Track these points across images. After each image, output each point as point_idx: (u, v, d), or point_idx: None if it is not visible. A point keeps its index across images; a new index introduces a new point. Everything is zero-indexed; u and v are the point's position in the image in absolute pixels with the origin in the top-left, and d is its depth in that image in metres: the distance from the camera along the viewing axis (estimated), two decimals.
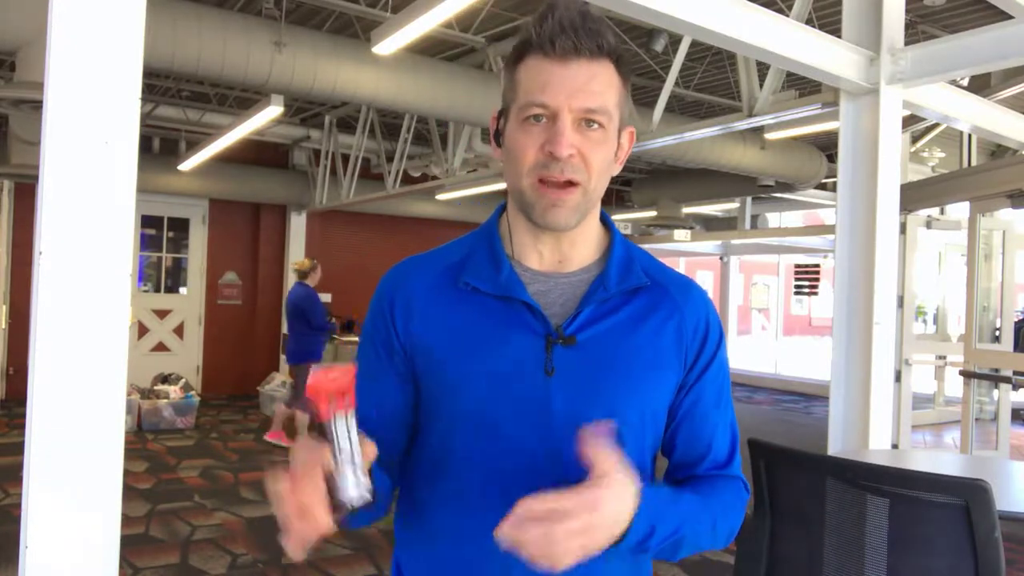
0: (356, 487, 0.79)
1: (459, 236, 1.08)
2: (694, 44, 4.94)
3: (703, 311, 1.03)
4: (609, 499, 0.80)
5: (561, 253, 1.01)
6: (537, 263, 1.01)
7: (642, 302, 1.00)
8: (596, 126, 0.93)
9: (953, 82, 4.10)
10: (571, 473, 0.86)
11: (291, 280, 9.72)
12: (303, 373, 6.34)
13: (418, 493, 1.01)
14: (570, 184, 0.93)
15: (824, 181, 8.62)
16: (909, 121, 5.49)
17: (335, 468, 0.78)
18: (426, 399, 1.00)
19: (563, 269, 1.01)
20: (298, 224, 9.81)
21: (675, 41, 5.43)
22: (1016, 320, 7.43)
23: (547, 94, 0.91)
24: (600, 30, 0.92)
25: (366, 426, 0.99)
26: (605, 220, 1.07)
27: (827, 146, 8.20)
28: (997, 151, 7.97)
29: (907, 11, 3.79)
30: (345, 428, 0.79)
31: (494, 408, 0.95)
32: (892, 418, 3.62)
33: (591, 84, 0.91)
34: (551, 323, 0.96)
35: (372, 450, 0.82)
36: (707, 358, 1.02)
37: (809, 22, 3.97)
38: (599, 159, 0.93)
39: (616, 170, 1.00)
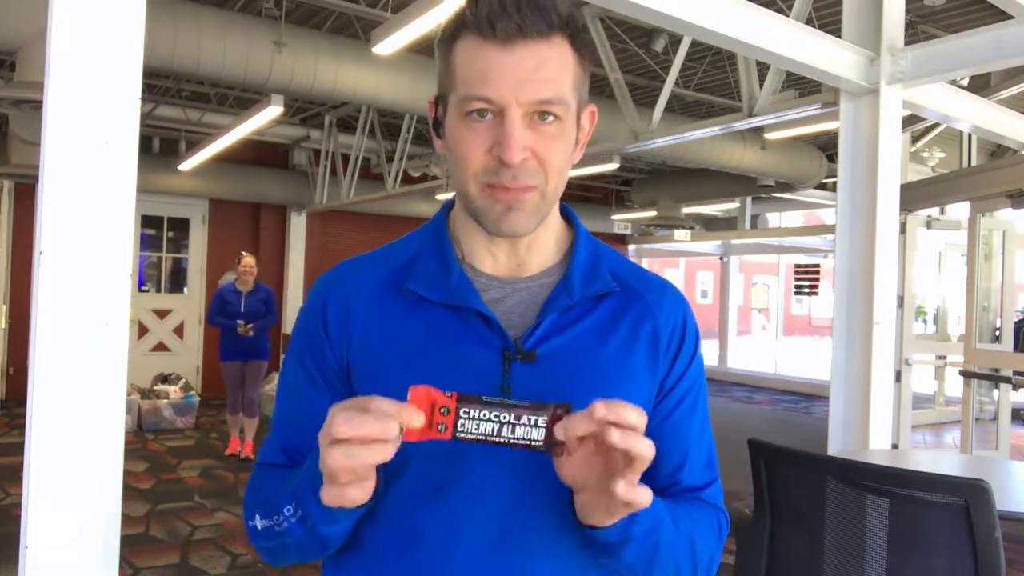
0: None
1: None
2: (694, 44, 4.94)
3: (679, 313, 0.91)
4: None
5: (518, 257, 0.88)
6: (491, 268, 0.88)
7: (610, 308, 0.88)
8: (551, 118, 0.79)
9: (953, 82, 4.10)
10: (530, 504, 0.79)
11: (291, 280, 9.78)
12: (224, 371, 6.09)
13: (355, 531, 0.83)
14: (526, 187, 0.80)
15: (824, 181, 8.63)
16: (909, 121, 5.49)
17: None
18: None
19: (521, 274, 0.88)
20: (298, 224, 9.81)
21: (675, 41, 5.44)
22: (1016, 320, 7.44)
23: (489, 86, 0.77)
24: (547, 2, 0.78)
25: (292, 456, 0.89)
26: (569, 216, 0.94)
27: (827, 146, 8.20)
28: (997, 151, 7.97)
29: (907, 11, 3.79)
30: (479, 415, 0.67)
31: None
32: (892, 418, 3.62)
33: (541, 71, 0.77)
34: (508, 335, 0.83)
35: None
36: (683, 365, 0.90)
37: (809, 22, 3.98)
38: (557, 156, 0.80)
39: (578, 157, 0.87)
